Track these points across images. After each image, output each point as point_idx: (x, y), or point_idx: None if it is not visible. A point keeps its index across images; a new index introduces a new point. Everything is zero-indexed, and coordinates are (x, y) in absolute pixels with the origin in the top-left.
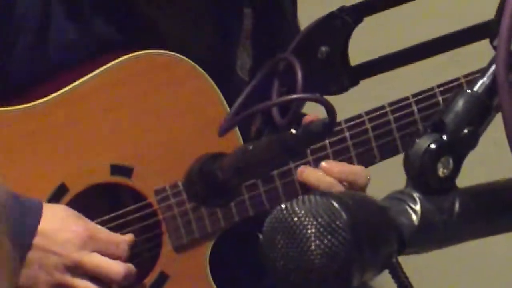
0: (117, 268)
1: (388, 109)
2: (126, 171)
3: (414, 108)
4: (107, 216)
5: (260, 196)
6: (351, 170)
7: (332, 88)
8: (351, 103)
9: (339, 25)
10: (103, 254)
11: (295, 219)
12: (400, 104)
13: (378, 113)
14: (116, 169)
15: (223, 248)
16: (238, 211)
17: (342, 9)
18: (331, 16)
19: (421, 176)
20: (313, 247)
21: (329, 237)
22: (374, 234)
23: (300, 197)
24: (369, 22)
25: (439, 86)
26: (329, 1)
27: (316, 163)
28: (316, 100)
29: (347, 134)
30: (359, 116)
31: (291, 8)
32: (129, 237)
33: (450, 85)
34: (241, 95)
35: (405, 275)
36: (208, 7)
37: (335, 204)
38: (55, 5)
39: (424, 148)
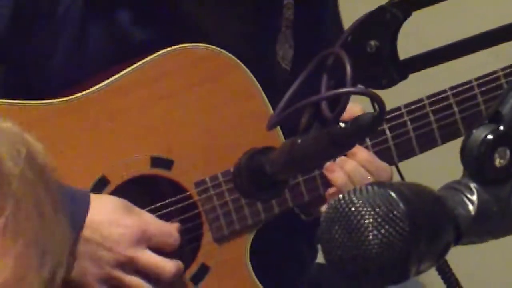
0: (169, 266)
1: (426, 101)
2: (166, 163)
3: (452, 100)
4: (148, 208)
5: (299, 187)
6: (377, 163)
7: (381, 82)
8: (390, 96)
9: (388, 19)
10: (156, 247)
11: (353, 209)
12: (439, 97)
13: (417, 105)
14: (157, 161)
15: (264, 240)
16: (278, 203)
17: (391, 3)
18: (380, 10)
19: (478, 166)
20: (370, 237)
21: (386, 227)
22: (432, 224)
23: (357, 187)
24: (418, 16)
25: (477, 79)
26: None
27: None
28: (365, 94)
29: (385, 126)
30: (398, 108)
31: None
32: (177, 225)
33: (488, 78)
34: (290, 88)
35: (452, 272)
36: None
37: (393, 194)
38: (91, 14)
39: (481, 138)
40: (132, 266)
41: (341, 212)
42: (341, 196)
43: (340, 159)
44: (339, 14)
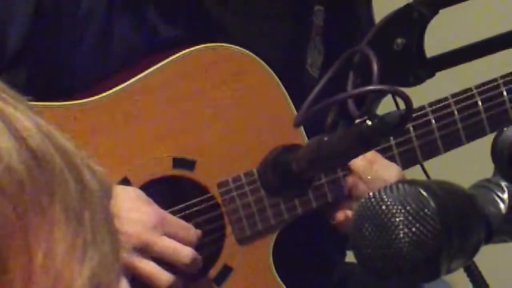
0: (186, 251)
1: (451, 100)
2: (188, 164)
3: (477, 99)
4: (170, 209)
5: (323, 188)
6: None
7: (408, 80)
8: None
9: (415, 17)
10: (173, 237)
11: (383, 207)
12: (463, 95)
13: (442, 104)
14: (179, 162)
15: (287, 240)
16: (301, 203)
17: (418, 1)
18: (407, 8)
19: (508, 165)
20: (401, 235)
21: (417, 225)
22: (463, 223)
23: (387, 185)
24: (444, 14)
25: (502, 77)
26: None
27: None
28: (392, 92)
29: (410, 125)
30: (422, 107)
31: (365, 3)
32: (197, 231)
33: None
34: (317, 85)
35: (481, 273)
36: (279, 5)
37: (424, 192)
38: (118, 10)
39: None
40: (148, 251)
41: (371, 210)
42: (371, 194)
43: None
44: (373, 19)
